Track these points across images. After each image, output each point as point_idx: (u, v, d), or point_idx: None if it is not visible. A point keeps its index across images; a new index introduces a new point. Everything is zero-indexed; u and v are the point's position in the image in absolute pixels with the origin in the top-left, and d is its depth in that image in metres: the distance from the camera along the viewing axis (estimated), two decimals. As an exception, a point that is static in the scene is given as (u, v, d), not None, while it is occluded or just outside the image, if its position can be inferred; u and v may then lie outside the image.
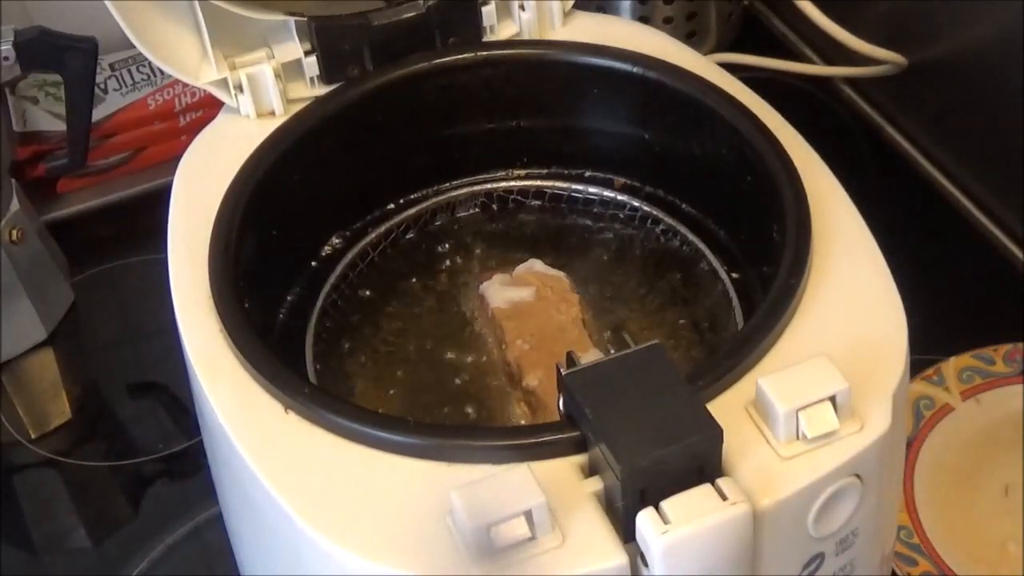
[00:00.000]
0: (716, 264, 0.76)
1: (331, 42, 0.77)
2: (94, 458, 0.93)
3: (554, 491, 0.54)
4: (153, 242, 0.73)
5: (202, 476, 0.81)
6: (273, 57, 0.77)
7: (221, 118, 0.79)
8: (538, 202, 0.82)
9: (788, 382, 0.57)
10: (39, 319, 0.98)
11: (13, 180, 0.96)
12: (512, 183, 0.82)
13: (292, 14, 0.76)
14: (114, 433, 0.95)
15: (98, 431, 0.95)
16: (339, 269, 0.78)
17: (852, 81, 1.15)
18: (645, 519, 0.53)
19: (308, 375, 0.71)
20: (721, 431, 0.54)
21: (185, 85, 0.99)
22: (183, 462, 0.90)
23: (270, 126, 0.76)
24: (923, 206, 1.06)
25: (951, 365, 0.89)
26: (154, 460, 0.91)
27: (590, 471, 0.57)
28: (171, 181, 0.74)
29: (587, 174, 0.82)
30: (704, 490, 0.54)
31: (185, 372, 0.66)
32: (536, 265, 0.77)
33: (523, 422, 0.69)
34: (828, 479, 0.56)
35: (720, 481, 0.54)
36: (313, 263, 0.78)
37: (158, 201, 0.73)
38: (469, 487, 0.53)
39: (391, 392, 0.72)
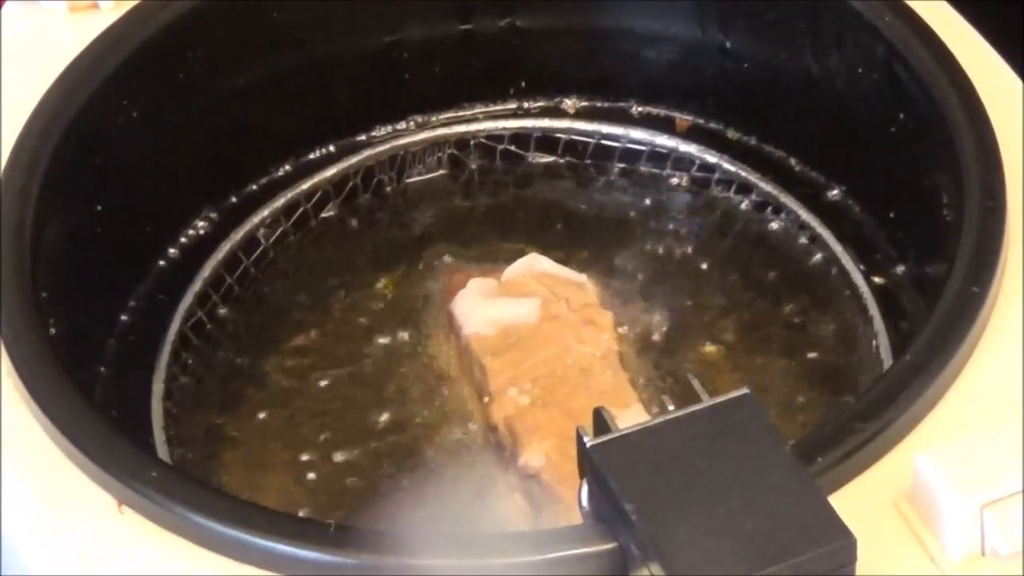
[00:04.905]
0: (844, 259, 0.67)
1: None
2: None
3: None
4: None
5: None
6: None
7: (9, 8, 0.71)
8: (545, 156, 0.73)
9: (966, 461, 0.50)
10: None
11: None
12: (499, 124, 0.73)
13: None
14: None
15: None
16: (209, 268, 0.68)
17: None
18: None
19: (155, 446, 0.64)
20: (854, 541, 0.47)
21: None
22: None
23: (91, 27, 0.67)
24: None
25: None
26: None
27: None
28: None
29: (631, 108, 0.73)
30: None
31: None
32: (540, 263, 0.69)
33: (519, 525, 0.62)
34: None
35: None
36: (166, 258, 0.70)
37: None
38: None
39: (293, 474, 0.65)
